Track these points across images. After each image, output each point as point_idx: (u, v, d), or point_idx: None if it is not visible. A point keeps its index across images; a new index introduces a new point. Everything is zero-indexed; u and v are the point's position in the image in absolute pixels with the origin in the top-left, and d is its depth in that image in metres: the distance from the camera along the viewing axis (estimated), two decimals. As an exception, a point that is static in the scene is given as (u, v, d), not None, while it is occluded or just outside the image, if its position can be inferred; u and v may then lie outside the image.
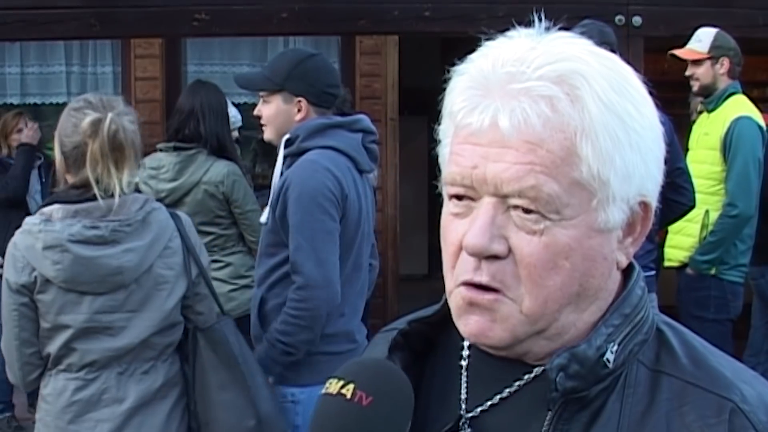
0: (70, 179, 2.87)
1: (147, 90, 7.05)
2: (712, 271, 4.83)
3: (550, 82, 1.02)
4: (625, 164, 1.04)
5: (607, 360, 1.06)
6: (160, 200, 4.41)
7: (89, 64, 7.19)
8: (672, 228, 4.91)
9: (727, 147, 4.75)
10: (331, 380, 1.06)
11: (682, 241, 4.90)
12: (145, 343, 2.88)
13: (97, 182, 2.80)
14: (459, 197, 1.06)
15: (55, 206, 2.82)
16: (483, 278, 1.04)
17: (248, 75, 3.54)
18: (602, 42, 4.04)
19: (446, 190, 1.08)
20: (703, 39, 4.88)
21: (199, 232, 4.50)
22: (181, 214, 3.06)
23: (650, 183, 1.07)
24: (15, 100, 7.09)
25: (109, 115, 2.81)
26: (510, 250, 1.03)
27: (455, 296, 1.07)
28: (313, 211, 3.03)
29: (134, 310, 2.85)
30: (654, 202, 1.09)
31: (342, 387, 1.05)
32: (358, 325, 3.26)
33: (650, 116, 1.08)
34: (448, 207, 1.08)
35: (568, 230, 1.03)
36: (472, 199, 1.05)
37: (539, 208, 1.02)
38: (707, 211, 4.78)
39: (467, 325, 1.06)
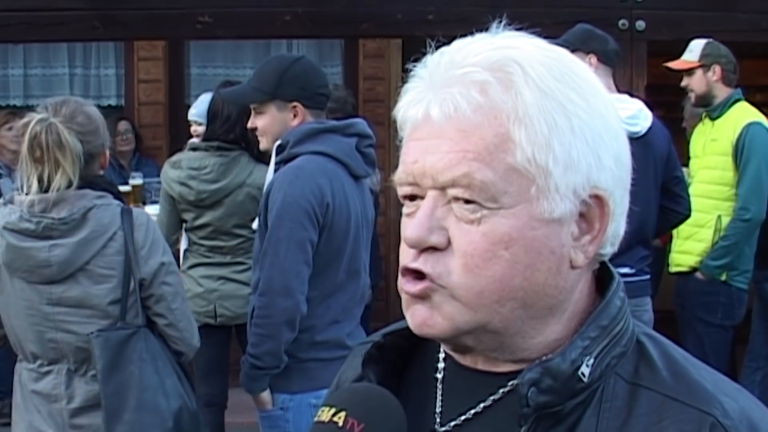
0: None
1: (150, 92, 7.05)
2: (723, 277, 4.83)
3: (483, 68, 1.01)
4: (567, 151, 1.01)
5: (582, 374, 1.02)
6: (200, 200, 4.46)
7: (92, 66, 7.20)
8: (681, 233, 4.91)
9: (739, 152, 4.77)
10: (322, 408, 1.06)
11: (693, 246, 4.90)
12: (89, 342, 2.88)
13: (22, 180, 2.89)
14: (411, 198, 1.05)
15: (20, 194, 2.93)
16: (416, 264, 1.02)
17: (237, 90, 3.48)
18: (587, 49, 4.03)
19: (398, 193, 1.07)
20: (693, 49, 4.91)
21: (230, 234, 4.53)
22: (137, 212, 3.02)
23: (604, 175, 1.03)
24: (18, 102, 7.09)
25: (37, 117, 2.88)
26: (450, 242, 1.02)
27: (403, 291, 1.06)
28: (284, 219, 2.98)
29: (73, 305, 2.88)
30: (613, 197, 1.05)
31: (333, 415, 1.04)
32: (353, 331, 3.22)
33: (600, 107, 1.04)
34: (403, 209, 1.07)
35: (507, 219, 1.00)
36: (422, 198, 1.04)
37: (474, 196, 1.00)
38: (719, 216, 4.81)
39: (412, 317, 1.05)
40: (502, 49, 1.03)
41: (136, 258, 2.90)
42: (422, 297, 1.03)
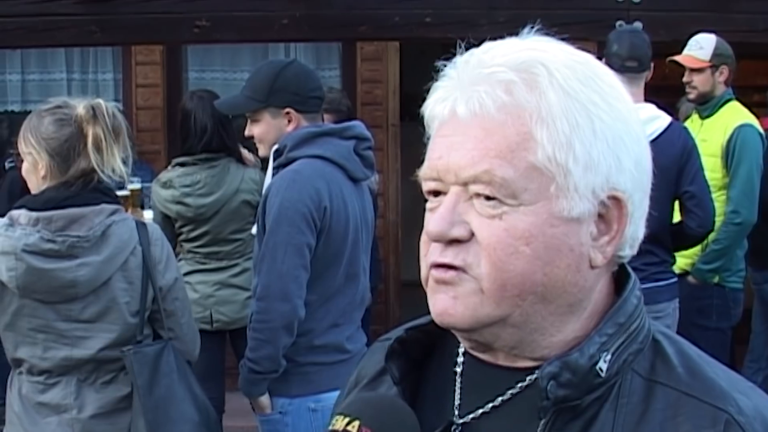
0: (53, 181, 2.84)
1: (148, 97, 7.05)
2: (716, 280, 4.81)
3: (509, 68, 1.04)
4: (588, 151, 1.04)
5: (600, 369, 1.05)
6: (200, 215, 4.46)
7: (90, 71, 7.19)
8: (671, 235, 4.89)
9: (730, 154, 4.74)
10: (337, 417, 1.09)
11: None
12: (104, 355, 2.86)
13: (99, 166, 2.80)
14: (435, 193, 1.08)
15: (22, 211, 2.82)
16: (447, 258, 1.05)
17: (230, 100, 3.48)
18: (630, 56, 3.98)
19: (423, 188, 1.10)
20: (704, 46, 4.86)
21: (228, 240, 4.55)
22: (150, 225, 3.01)
23: (623, 177, 1.06)
24: (16, 107, 7.09)
25: (100, 100, 2.85)
26: (473, 235, 1.04)
27: (429, 281, 1.08)
28: (281, 223, 2.98)
29: (92, 320, 2.84)
30: (632, 200, 1.07)
31: (348, 424, 1.07)
32: (352, 335, 3.22)
33: (623, 111, 1.07)
34: (427, 204, 1.10)
35: (527, 216, 1.03)
36: (445, 193, 1.07)
37: (495, 193, 1.03)
38: None
39: (434, 305, 1.07)
40: (529, 51, 1.06)
41: (154, 272, 2.89)
42: (450, 283, 1.05)
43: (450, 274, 1.05)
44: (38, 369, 2.89)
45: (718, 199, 4.80)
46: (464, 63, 1.08)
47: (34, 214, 2.79)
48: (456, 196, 1.05)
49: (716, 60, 4.83)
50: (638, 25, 5.45)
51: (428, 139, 1.11)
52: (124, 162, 2.86)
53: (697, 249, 4.81)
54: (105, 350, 2.86)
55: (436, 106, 1.08)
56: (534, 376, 1.07)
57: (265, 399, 3.11)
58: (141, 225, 2.93)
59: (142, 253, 2.87)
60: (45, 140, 2.83)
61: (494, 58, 1.06)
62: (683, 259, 4.88)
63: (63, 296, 2.81)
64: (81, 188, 2.82)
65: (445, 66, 1.10)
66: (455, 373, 1.15)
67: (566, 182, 1.03)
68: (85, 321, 2.84)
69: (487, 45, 1.10)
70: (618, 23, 5.35)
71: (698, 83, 4.86)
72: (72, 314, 2.83)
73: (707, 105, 4.89)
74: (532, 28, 1.11)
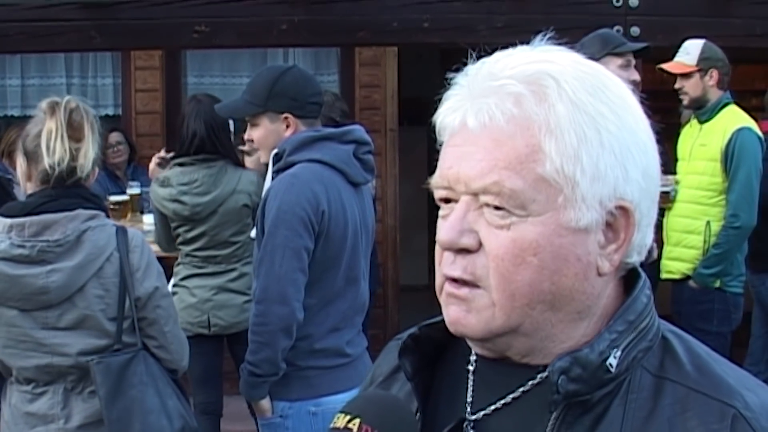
0: (30, 185, 2.83)
1: (147, 102, 7.06)
2: (717, 284, 4.81)
3: (518, 80, 1.06)
4: (595, 163, 1.05)
5: (610, 365, 1.07)
6: (196, 213, 4.46)
7: (89, 76, 7.20)
8: (670, 239, 4.90)
9: (729, 158, 4.73)
10: (338, 415, 1.10)
11: (683, 253, 4.88)
12: (86, 363, 2.82)
13: (51, 165, 2.76)
14: (446, 201, 1.10)
15: None
16: (456, 272, 1.08)
17: (230, 104, 3.48)
18: (604, 53, 3.98)
19: (435, 196, 1.12)
20: (691, 51, 4.86)
21: (226, 243, 4.55)
22: (132, 232, 2.92)
23: (630, 187, 1.08)
24: (16, 112, 7.10)
25: (68, 97, 2.84)
26: (481, 244, 1.06)
27: (443, 293, 1.11)
28: (279, 227, 2.99)
29: (69, 328, 2.80)
30: (639, 209, 1.09)
31: (348, 422, 1.09)
32: (353, 339, 3.21)
33: (630, 122, 1.09)
34: (440, 212, 1.12)
35: (535, 226, 1.05)
36: (456, 201, 1.09)
37: (503, 203, 1.05)
38: (708, 222, 4.78)
39: (448, 315, 1.10)
40: (538, 63, 1.08)
41: (131, 280, 2.84)
42: (464, 300, 1.08)
43: (464, 291, 1.08)
44: (24, 377, 2.86)
45: (719, 203, 4.81)
46: (475, 73, 1.09)
47: (9, 220, 2.77)
48: (466, 205, 1.07)
49: (704, 64, 4.82)
50: (635, 30, 5.47)
51: (440, 146, 1.13)
52: (83, 164, 2.79)
53: (696, 253, 4.82)
54: (85, 358, 2.82)
55: (447, 116, 1.10)
56: (545, 373, 1.09)
57: (266, 402, 3.11)
58: (121, 231, 2.86)
59: (120, 260, 2.82)
60: (23, 140, 2.84)
61: (504, 70, 1.07)
62: (683, 264, 4.89)
63: (37, 303, 2.78)
64: (60, 194, 2.79)
65: (456, 75, 1.11)
66: (468, 370, 1.18)
67: (574, 194, 1.05)
68: (62, 329, 2.80)
69: (498, 55, 1.11)
70: (616, 28, 5.38)
71: (689, 89, 4.86)
72: (49, 322, 2.79)
73: (705, 109, 4.89)
74: (545, 36, 1.12)
